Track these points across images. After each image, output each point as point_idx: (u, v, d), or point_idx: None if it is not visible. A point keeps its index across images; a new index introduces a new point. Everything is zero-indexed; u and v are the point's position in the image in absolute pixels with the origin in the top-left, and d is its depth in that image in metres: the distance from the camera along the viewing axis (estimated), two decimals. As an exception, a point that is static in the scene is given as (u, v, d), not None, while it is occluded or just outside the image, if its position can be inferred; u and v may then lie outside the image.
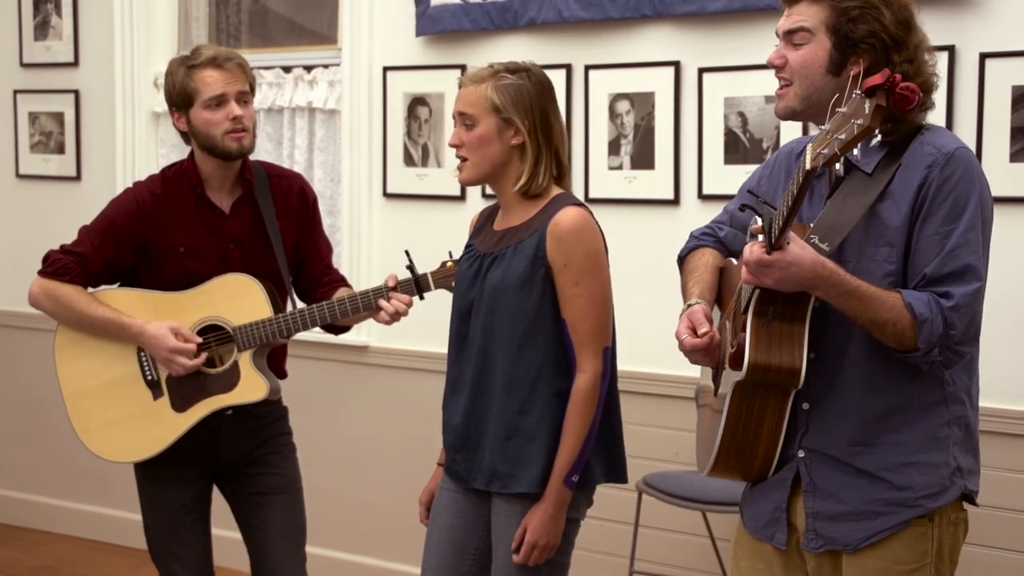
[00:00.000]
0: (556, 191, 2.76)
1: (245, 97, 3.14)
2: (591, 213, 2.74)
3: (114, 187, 5.08)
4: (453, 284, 2.96)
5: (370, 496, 4.70)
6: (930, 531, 2.32)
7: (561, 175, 2.79)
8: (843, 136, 2.01)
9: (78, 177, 5.27)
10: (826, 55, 2.32)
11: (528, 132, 2.71)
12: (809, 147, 2.08)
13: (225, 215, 3.18)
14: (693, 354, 2.42)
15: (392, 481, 4.63)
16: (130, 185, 3.34)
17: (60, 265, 3.14)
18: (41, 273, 3.17)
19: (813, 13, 2.33)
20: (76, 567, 5.07)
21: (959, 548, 2.39)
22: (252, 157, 3.25)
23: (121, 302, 3.16)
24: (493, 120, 2.70)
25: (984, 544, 3.48)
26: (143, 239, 3.15)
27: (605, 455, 2.79)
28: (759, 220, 2.21)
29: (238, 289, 3.11)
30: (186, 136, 3.19)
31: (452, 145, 2.77)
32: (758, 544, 2.47)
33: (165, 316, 3.12)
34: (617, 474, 2.83)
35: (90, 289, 3.19)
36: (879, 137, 2.07)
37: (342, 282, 3.33)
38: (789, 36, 2.36)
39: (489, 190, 4.24)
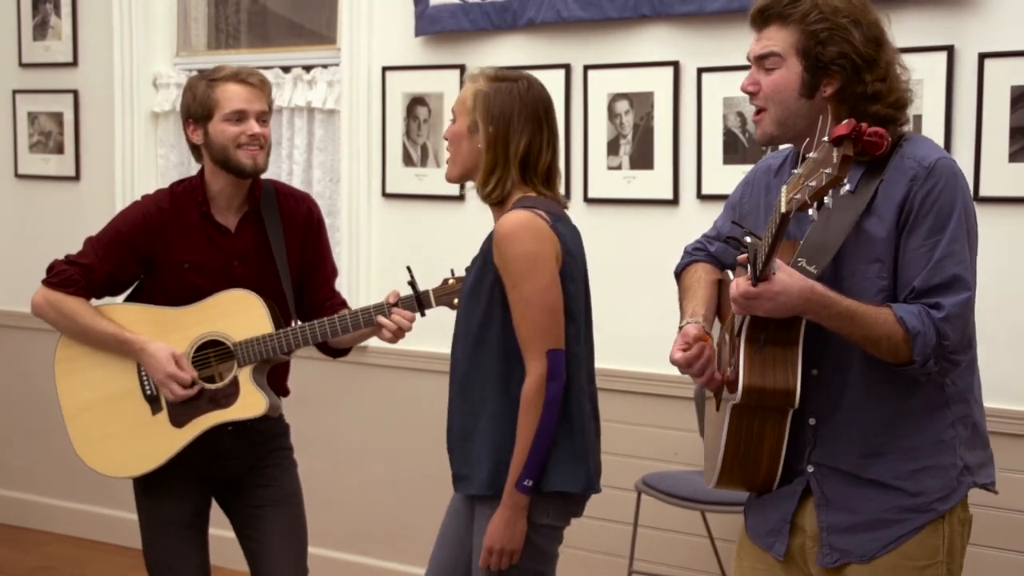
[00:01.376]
0: (519, 195, 2.74)
1: (264, 117, 3.13)
2: (547, 215, 2.70)
3: (113, 187, 5.09)
4: (455, 301, 2.96)
5: (370, 496, 4.70)
6: (941, 527, 2.33)
7: (525, 184, 2.75)
8: (813, 183, 2.01)
9: (77, 177, 5.27)
10: (798, 79, 2.33)
11: (488, 140, 2.71)
12: (784, 190, 2.09)
13: (230, 233, 3.16)
14: (688, 369, 2.40)
15: (391, 481, 4.62)
16: (134, 190, 3.34)
17: (64, 277, 3.14)
18: (45, 283, 3.16)
19: (783, 37, 2.34)
20: (75, 567, 5.07)
21: (965, 549, 2.41)
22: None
23: (124, 317, 3.15)
24: (466, 120, 2.73)
25: (985, 544, 3.48)
26: (148, 252, 3.14)
27: (565, 462, 2.72)
28: (745, 253, 2.22)
29: (239, 305, 3.10)
30: (197, 151, 3.18)
31: (445, 138, 2.82)
32: (760, 549, 2.47)
33: (167, 331, 3.11)
34: (580, 482, 2.73)
35: (94, 301, 3.18)
36: (848, 186, 2.08)
37: (344, 306, 3.31)
38: (760, 61, 2.38)
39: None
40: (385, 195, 4.59)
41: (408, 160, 4.53)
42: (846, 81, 2.30)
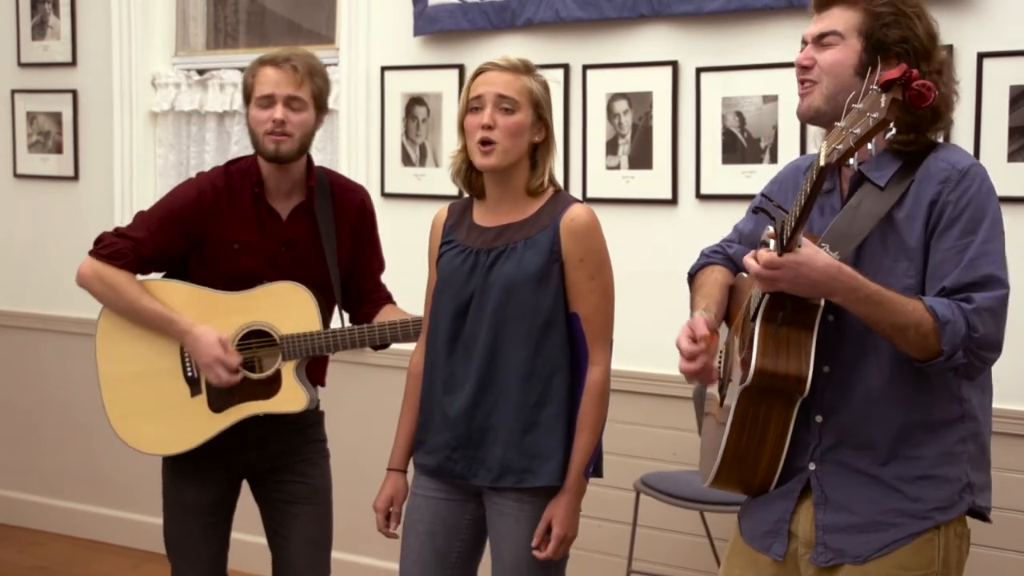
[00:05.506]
0: (551, 188, 2.81)
1: (296, 103, 3.06)
2: None
3: (112, 187, 5.09)
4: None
5: (368, 496, 4.68)
6: (937, 538, 2.32)
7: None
8: (858, 130, 2.01)
9: (76, 177, 5.26)
10: (856, 57, 2.32)
11: (551, 133, 2.79)
12: (824, 144, 2.07)
13: (281, 219, 3.14)
14: (689, 363, 2.40)
15: (390, 481, 4.61)
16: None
17: (114, 249, 3.09)
18: (93, 254, 3.11)
19: (846, 19, 2.34)
20: (72, 567, 5.06)
21: (963, 564, 2.39)
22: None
23: (172, 296, 3.12)
24: (530, 113, 2.73)
25: (985, 544, 3.48)
26: (199, 231, 3.11)
27: (600, 448, 2.83)
28: (771, 228, 2.21)
29: (291, 298, 3.08)
30: None
31: (486, 126, 2.69)
32: (753, 553, 2.45)
33: (213, 315, 3.08)
34: (598, 469, 2.86)
35: (141, 277, 3.14)
36: (893, 131, 2.05)
37: (389, 299, 3.30)
38: (818, 39, 2.36)
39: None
40: (384, 195, 4.59)
41: (407, 160, 4.53)
42: None
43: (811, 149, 3.70)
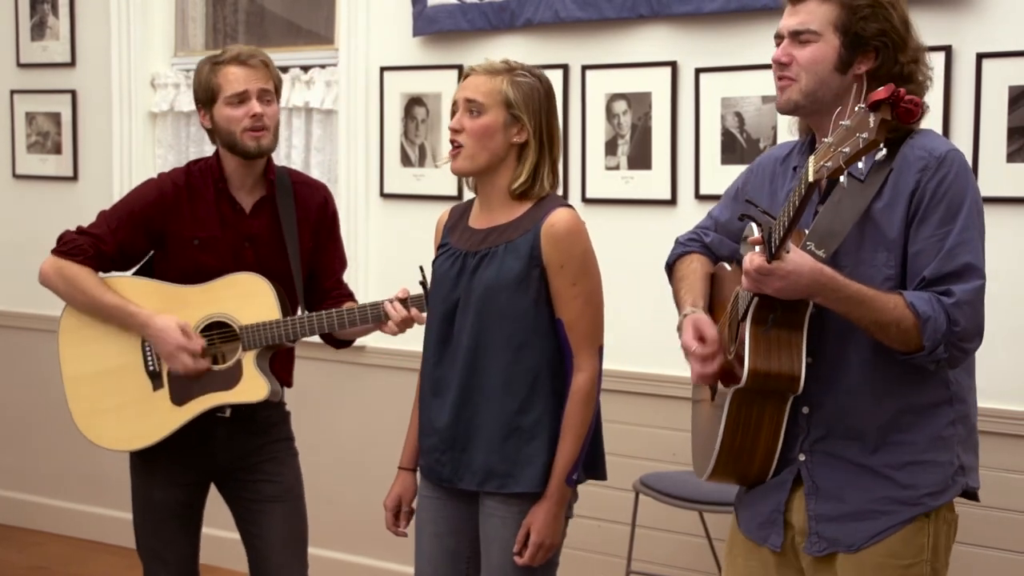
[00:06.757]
0: (539, 191, 2.77)
1: (267, 96, 3.13)
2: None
3: (111, 187, 5.08)
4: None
5: (368, 496, 4.69)
6: (927, 526, 2.33)
7: (554, 183, 2.80)
8: (847, 150, 2.01)
9: (75, 177, 5.26)
10: (835, 53, 2.33)
11: (533, 133, 2.73)
12: (811, 160, 2.09)
13: (244, 213, 3.17)
14: (706, 367, 2.41)
15: (390, 481, 4.61)
16: (153, 177, 3.32)
17: (74, 246, 3.13)
18: (54, 252, 3.15)
19: (822, 13, 2.33)
20: (71, 567, 5.06)
21: (951, 549, 2.40)
22: (277, 162, 3.25)
23: (131, 290, 3.14)
24: (502, 113, 2.71)
25: (983, 544, 3.48)
26: (159, 227, 3.14)
27: (595, 454, 2.82)
28: (755, 229, 2.21)
29: (249, 289, 3.10)
30: (211, 134, 3.19)
31: (453, 129, 2.74)
32: (753, 543, 2.47)
33: (173, 308, 3.10)
34: (599, 472, 2.85)
35: (101, 274, 3.16)
36: (884, 151, 2.08)
37: (350, 298, 3.32)
38: (795, 35, 2.36)
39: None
40: (383, 195, 4.59)
41: (406, 160, 4.53)
42: (883, 60, 2.31)
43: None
